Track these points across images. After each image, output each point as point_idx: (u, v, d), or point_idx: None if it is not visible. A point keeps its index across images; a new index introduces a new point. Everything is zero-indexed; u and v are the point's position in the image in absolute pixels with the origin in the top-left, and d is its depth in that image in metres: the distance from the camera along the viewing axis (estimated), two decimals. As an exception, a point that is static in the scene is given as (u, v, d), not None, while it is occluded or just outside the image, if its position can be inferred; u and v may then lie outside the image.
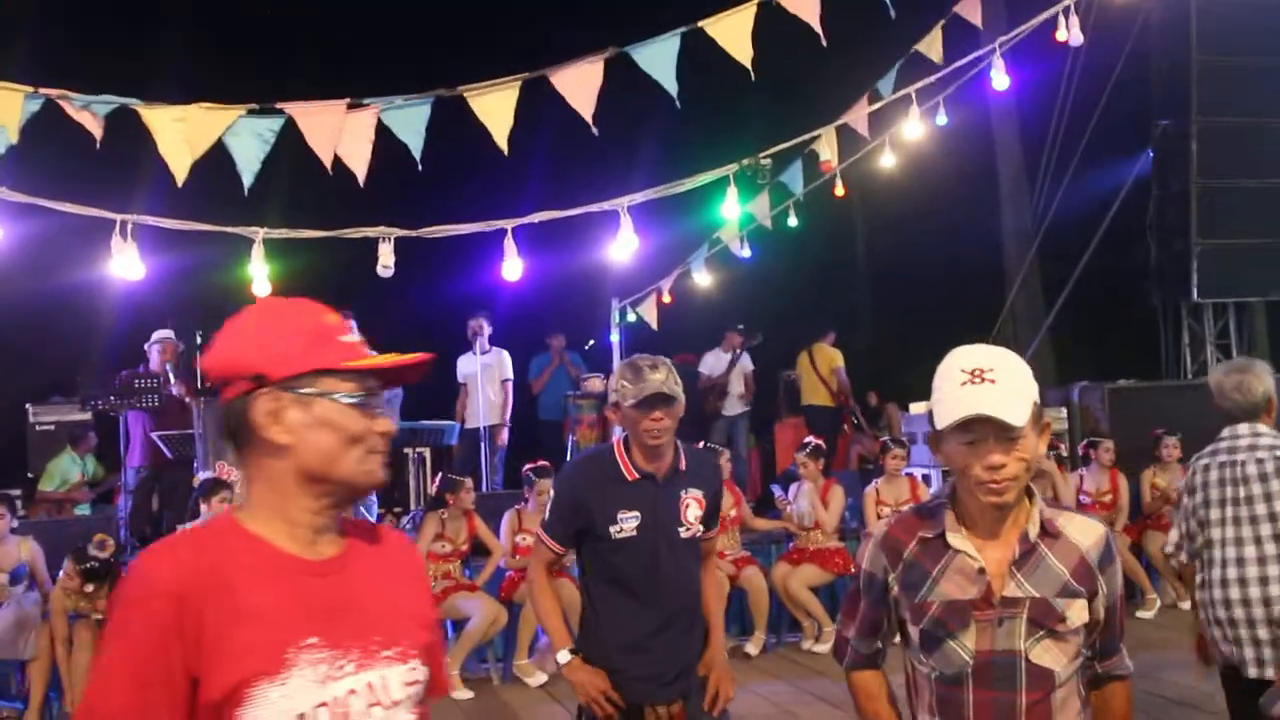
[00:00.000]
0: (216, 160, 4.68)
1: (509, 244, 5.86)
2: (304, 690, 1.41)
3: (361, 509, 7.34)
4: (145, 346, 9.08)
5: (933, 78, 7.03)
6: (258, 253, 5.53)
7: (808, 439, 8.03)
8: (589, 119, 4.76)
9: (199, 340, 10.71)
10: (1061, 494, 7.71)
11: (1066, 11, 6.69)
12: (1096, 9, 8.40)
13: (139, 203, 5.68)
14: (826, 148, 7.21)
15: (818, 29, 4.91)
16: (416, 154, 4.87)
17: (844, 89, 7.99)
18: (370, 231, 5.78)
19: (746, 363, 10.68)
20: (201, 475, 7.50)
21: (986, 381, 1.94)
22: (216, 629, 1.39)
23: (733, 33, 4.84)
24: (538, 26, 14.94)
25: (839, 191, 8.49)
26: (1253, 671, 3.38)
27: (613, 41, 4.77)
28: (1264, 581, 3.41)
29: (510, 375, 9.77)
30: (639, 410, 3.04)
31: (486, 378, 9.41)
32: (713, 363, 10.63)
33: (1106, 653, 2.16)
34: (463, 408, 9.64)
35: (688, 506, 3.18)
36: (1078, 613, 2.02)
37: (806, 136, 7.10)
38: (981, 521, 2.03)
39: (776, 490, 8.06)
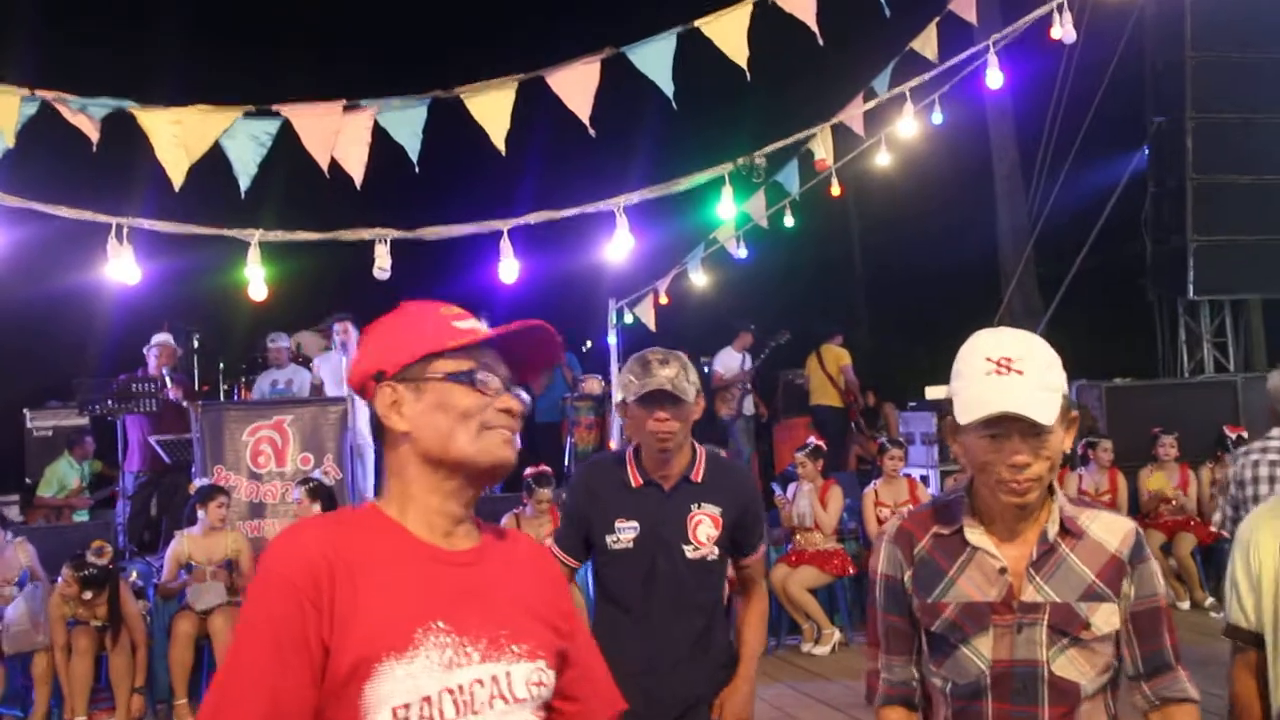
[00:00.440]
0: (213, 163, 4.67)
1: (505, 245, 5.84)
2: (429, 672, 1.42)
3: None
4: (144, 350, 9.07)
5: (927, 75, 7.03)
6: (254, 255, 5.51)
7: (809, 439, 8.03)
8: (586, 120, 4.75)
9: (195, 343, 10.73)
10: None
11: (1061, 9, 6.69)
12: (1091, 6, 8.41)
13: (135, 206, 5.66)
14: (822, 147, 7.21)
15: (814, 28, 4.90)
16: (413, 155, 4.86)
17: (839, 88, 7.99)
18: (367, 233, 5.76)
19: (746, 362, 10.72)
20: (198, 481, 7.49)
21: (1014, 372, 1.79)
22: (349, 603, 1.41)
23: (728, 32, 4.83)
24: (534, 27, 14.94)
25: (835, 190, 8.49)
26: None
27: (609, 42, 4.77)
28: None
29: None
30: (643, 408, 2.83)
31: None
32: (728, 361, 10.66)
33: (1155, 670, 1.91)
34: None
35: (698, 523, 2.85)
36: (1104, 618, 1.84)
37: (802, 135, 7.09)
38: (1001, 519, 1.89)
39: (775, 489, 8.07)
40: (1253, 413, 8.89)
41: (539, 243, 6.92)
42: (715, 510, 2.86)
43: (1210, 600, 7.68)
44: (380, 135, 4.81)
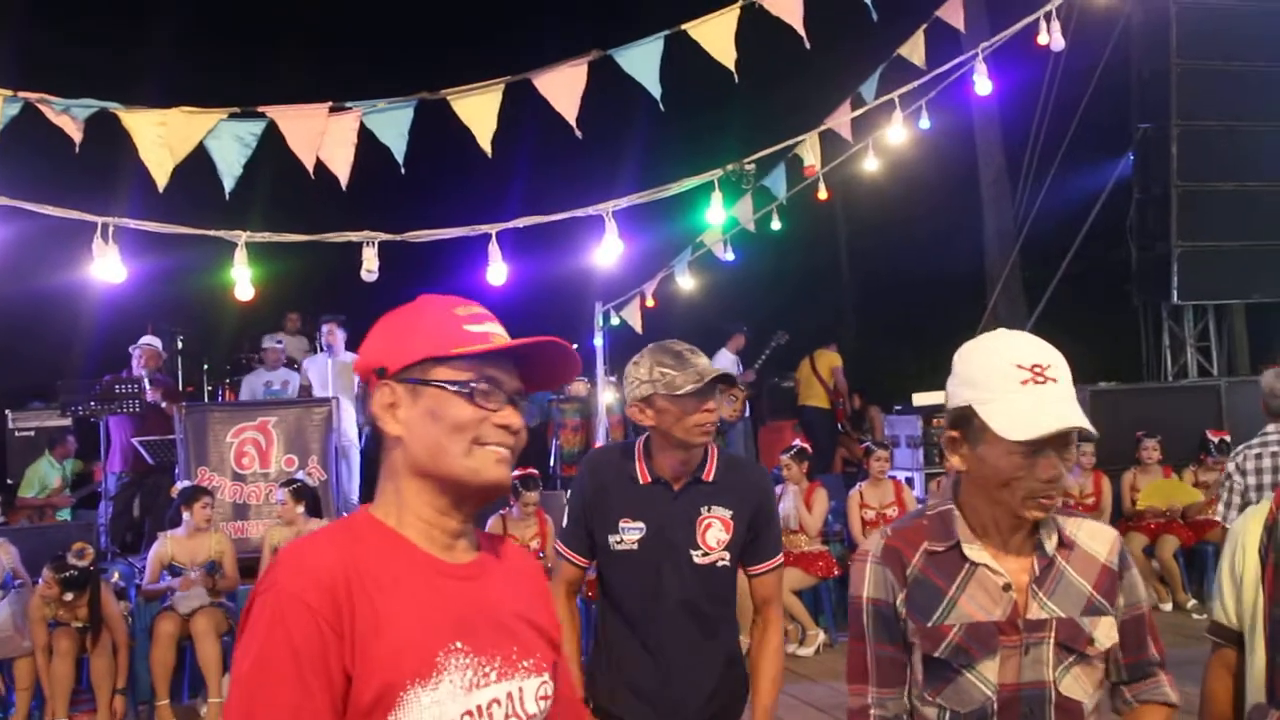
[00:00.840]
0: (199, 163, 4.66)
1: (493, 248, 5.84)
2: (453, 696, 1.37)
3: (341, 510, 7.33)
4: (130, 349, 9.03)
5: (916, 82, 7.06)
6: (240, 256, 5.49)
7: (794, 442, 8.04)
8: (573, 122, 4.75)
9: (180, 344, 10.68)
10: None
11: (1048, 16, 6.73)
12: (1078, 14, 8.46)
13: (121, 205, 5.64)
14: (810, 152, 7.23)
15: (801, 32, 4.92)
16: (399, 157, 4.85)
17: (827, 93, 8.02)
18: (354, 235, 5.75)
19: (739, 364, 10.74)
20: (182, 483, 7.46)
21: (1049, 380, 1.69)
22: (370, 626, 1.34)
23: (716, 35, 4.84)
24: (521, 29, 14.93)
25: (822, 195, 8.51)
26: None
27: (596, 44, 4.77)
28: None
29: None
30: (691, 399, 2.55)
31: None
32: (722, 363, 10.68)
33: (1140, 675, 1.88)
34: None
35: (708, 527, 2.64)
36: (1105, 632, 1.78)
37: (790, 141, 7.12)
38: (995, 531, 1.77)
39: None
40: (1236, 416, 8.95)
41: (526, 245, 6.92)
42: (726, 513, 2.66)
43: (1193, 602, 7.72)
44: (366, 137, 4.81)
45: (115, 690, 6.28)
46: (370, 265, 5.69)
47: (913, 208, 15.91)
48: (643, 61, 4.80)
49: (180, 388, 10.11)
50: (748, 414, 10.95)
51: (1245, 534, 2.15)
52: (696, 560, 2.63)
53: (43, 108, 4.44)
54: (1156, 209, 10.88)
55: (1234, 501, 4.46)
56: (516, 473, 7.41)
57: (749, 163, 6.53)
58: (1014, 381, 1.69)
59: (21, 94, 4.41)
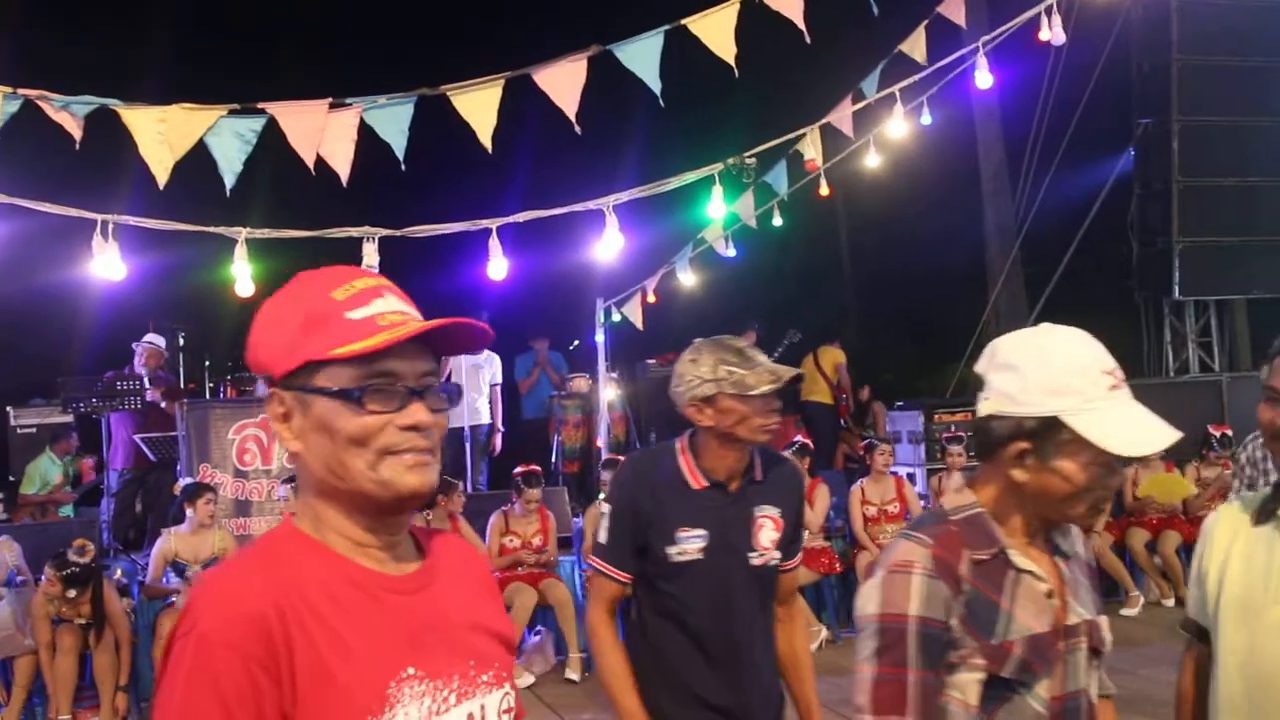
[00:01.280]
0: (199, 160, 4.65)
1: (493, 243, 5.84)
2: None
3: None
4: (133, 345, 9.04)
5: (916, 77, 7.04)
6: (240, 253, 5.50)
7: (796, 438, 8.04)
8: (573, 117, 4.74)
9: (181, 341, 10.69)
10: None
11: (1049, 11, 6.72)
12: (1078, 9, 8.44)
13: (120, 202, 5.64)
14: (811, 147, 7.22)
15: (801, 27, 4.91)
16: (400, 153, 4.85)
17: (828, 88, 8.00)
18: (354, 231, 5.76)
19: None
20: (184, 480, 7.47)
21: (1123, 384, 1.61)
22: (311, 662, 1.18)
23: (716, 30, 4.83)
24: (521, 24, 14.93)
25: (823, 191, 8.50)
26: None
27: (596, 39, 4.76)
28: None
29: (499, 380, 9.80)
30: (763, 400, 2.46)
31: (471, 377, 9.40)
32: None
33: None
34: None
35: (761, 527, 2.56)
36: (1108, 629, 1.74)
37: (791, 136, 7.10)
38: (1023, 534, 1.67)
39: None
40: (1237, 412, 8.95)
41: (527, 241, 6.92)
42: (775, 511, 2.58)
43: (1195, 599, 7.73)
44: (367, 133, 4.80)
45: (118, 687, 6.30)
46: (370, 260, 5.69)
47: (914, 203, 15.90)
48: (643, 56, 4.79)
49: (182, 384, 10.12)
50: None
51: (1216, 528, 2.15)
52: (753, 562, 2.54)
53: (42, 104, 4.43)
54: (1158, 204, 10.88)
55: (1245, 493, 4.53)
56: (519, 469, 7.43)
57: (749, 156, 6.53)
58: (1102, 388, 1.57)
59: (21, 91, 4.41)
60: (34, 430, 10.13)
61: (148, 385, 8.63)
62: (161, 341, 9.18)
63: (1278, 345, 2.04)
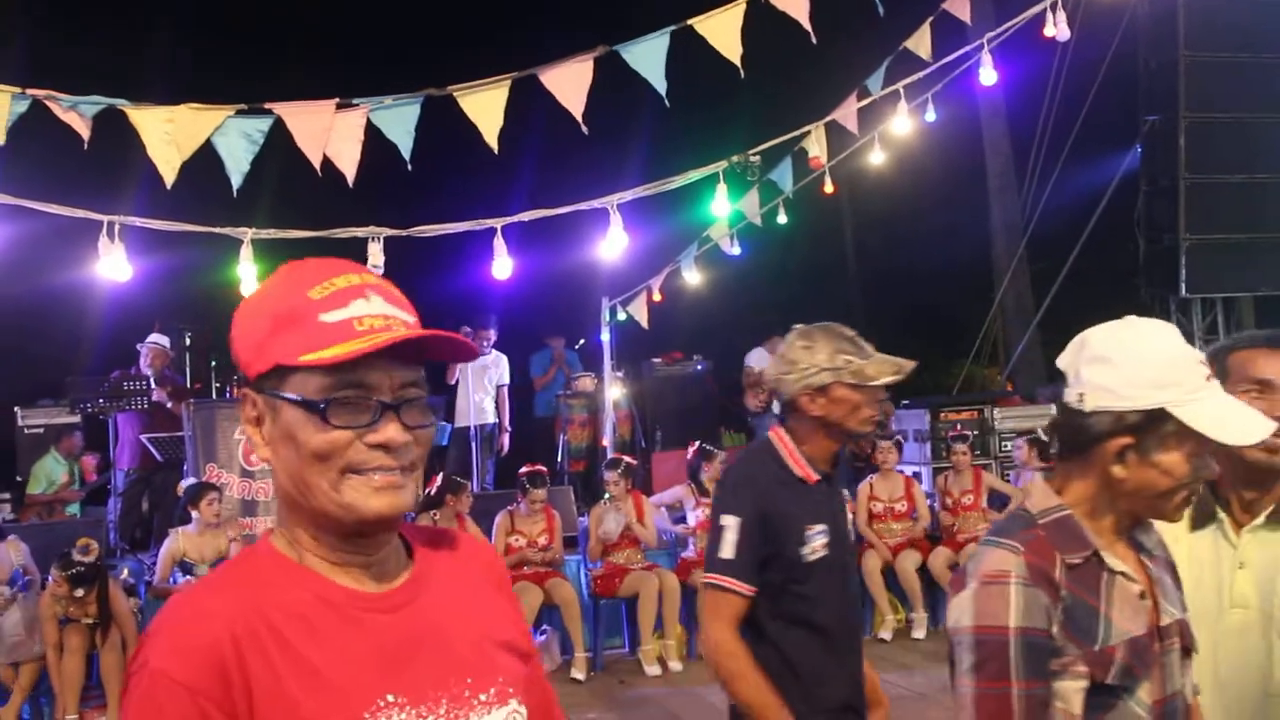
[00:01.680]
0: (205, 161, 4.66)
1: (499, 243, 5.84)
2: None
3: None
4: (138, 345, 9.05)
5: (921, 74, 7.04)
6: (246, 253, 5.50)
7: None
8: (579, 117, 4.75)
9: (187, 341, 10.71)
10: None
11: (1054, 7, 6.71)
12: (1084, 4, 8.43)
13: (127, 203, 5.66)
14: (816, 145, 7.22)
15: (807, 26, 4.91)
16: (406, 153, 4.86)
17: (833, 86, 8.00)
18: (360, 231, 5.76)
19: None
20: (187, 480, 7.48)
21: (1214, 374, 1.60)
22: (270, 695, 1.09)
23: (722, 30, 4.84)
24: (527, 25, 14.93)
25: (828, 188, 8.50)
26: None
27: (602, 40, 4.77)
28: None
29: (506, 380, 9.79)
30: (873, 390, 2.43)
31: (479, 378, 9.40)
32: (761, 358, 10.65)
33: None
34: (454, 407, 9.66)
35: (848, 513, 2.67)
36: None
37: (796, 133, 7.10)
38: (1109, 534, 1.63)
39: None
40: (1244, 410, 8.91)
41: (532, 240, 6.92)
42: (848, 494, 2.67)
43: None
44: (373, 133, 4.81)
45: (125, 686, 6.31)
46: (376, 260, 5.70)
47: (919, 201, 15.89)
48: (649, 57, 4.80)
49: (189, 385, 10.14)
50: (774, 407, 10.91)
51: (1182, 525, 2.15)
52: (853, 549, 2.66)
53: (50, 105, 4.44)
54: (1164, 201, 10.84)
55: None
56: (524, 469, 7.42)
57: (754, 154, 6.53)
58: (1200, 378, 1.55)
59: (30, 91, 4.42)
60: (41, 431, 10.15)
61: (153, 386, 8.65)
62: (166, 341, 9.19)
63: (1214, 348, 2.01)
